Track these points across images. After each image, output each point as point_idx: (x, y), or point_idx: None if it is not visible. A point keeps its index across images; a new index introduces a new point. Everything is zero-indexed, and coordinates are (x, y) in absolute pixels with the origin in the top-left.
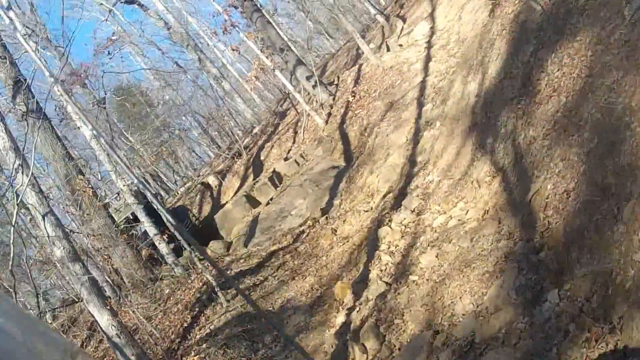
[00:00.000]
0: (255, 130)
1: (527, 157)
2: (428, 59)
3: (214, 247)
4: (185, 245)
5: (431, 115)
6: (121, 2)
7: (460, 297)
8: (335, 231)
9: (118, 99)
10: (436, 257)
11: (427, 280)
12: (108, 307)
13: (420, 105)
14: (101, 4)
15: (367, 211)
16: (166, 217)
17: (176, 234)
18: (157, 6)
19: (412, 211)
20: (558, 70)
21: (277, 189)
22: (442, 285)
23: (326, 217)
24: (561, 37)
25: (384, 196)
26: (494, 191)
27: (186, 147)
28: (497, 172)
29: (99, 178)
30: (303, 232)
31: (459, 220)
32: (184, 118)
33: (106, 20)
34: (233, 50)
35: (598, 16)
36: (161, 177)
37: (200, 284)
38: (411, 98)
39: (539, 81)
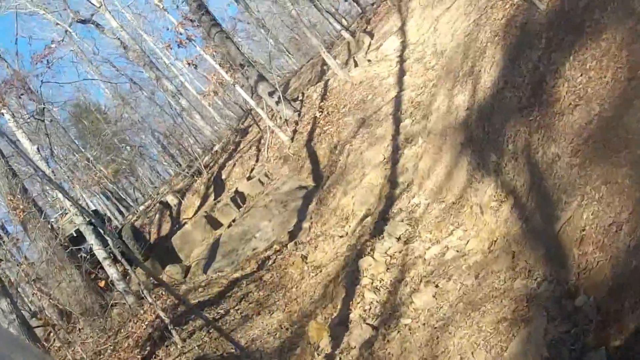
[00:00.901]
0: (215, 148)
1: (550, 178)
2: (402, 73)
3: (171, 272)
4: (133, 270)
5: (411, 131)
6: (77, 22)
7: (473, 352)
8: (306, 258)
9: (72, 115)
10: (433, 296)
11: (424, 325)
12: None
13: (397, 120)
14: (57, 24)
15: (341, 237)
16: (110, 238)
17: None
18: (112, 24)
19: (398, 239)
20: (581, 75)
21: (240, 209)
22: (444, 332)
23: (295, 242)
24: (579, 37)
25: (361, 220)
26: (502, 218)
27: (147, 165)
28: (506, 196)
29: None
30: (269, 258)
31: (457, 251)
32: (143, 136)
33: (62, 41)
34: (189, 64)
35: (628, 8)
36: (120, 195)
37: (153, 316)
38: (386, 113)
39: (557, 88)
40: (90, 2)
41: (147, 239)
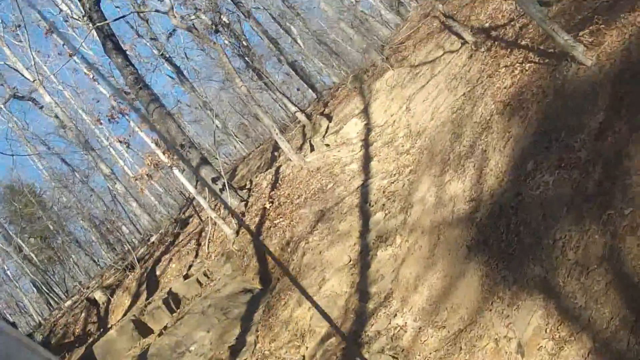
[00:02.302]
0: (152, 239)
1: None
2: (368, 158)
3: None
4: None
5: (385, 228)
6: (14, 98)
7: None
8: None
9: (3, 197)
10: None
11: None
12: None
13: (366, 214)
14: None
15: None
16: None
17: None
18: (46, 99)
19: None
20: None
21: (174, 314)
22: None
23: None
24: None
25: (323, 341)
26: None
27: (82, 254)
28: (571, 333)
29: None
30: None
31: None
32: (81, 221)
33: None
34: (120, 142)
35: None
36: (50, 286)
37: None
38: (350, 205)
39: None
40: (23, 76)
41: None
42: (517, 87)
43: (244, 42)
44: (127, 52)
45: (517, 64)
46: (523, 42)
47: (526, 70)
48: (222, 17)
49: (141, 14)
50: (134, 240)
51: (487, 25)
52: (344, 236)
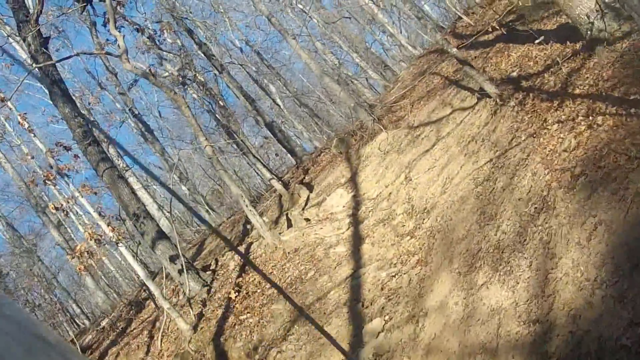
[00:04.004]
0: (103, 324)
1: None
2: (358, 239)
3: None
4: None
5: (387, 343)
6: None
7: None
8: None
9: None
10: None
11: None
12: None
13: (357, 318)
14: None
15: None
16: None
17: None
18: None
19: None
20: None
21: None
22: None
23: None
24: None
25: None
26: None
27: None
28: None
29: None
30: None
31: None
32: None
33: None
34: (56, 209)
35: None
36: None
37: None
38: (336, 303)
39: None
40: None
41: None
42: (590, 149)
43: (220, 102)
44: (92, 107)
45: (580, 118)
46: (578, 90)
47: (598, 126)
48: (194, 72)
49: (109, 68)
50: (85, 322)
51: (514, 74)
52: (328, 348)
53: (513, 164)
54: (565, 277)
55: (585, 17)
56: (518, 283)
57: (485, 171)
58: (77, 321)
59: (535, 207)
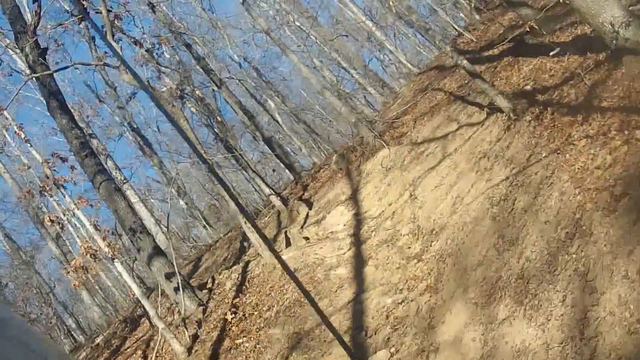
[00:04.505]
0: (98, 341)
1: None
2: (360, 260)
3: None
4: None
5: None
6: None
7: None
8: None
9: None
10: None
11: None
12: None
13: (361, 349)
14: None
15: None
16: None
17: None
18: None
19: None
20: None
21: None
22: None
23: None
24: None
25: None
26: None
27: None
28: None
29: None
30: None
31: None
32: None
33: None
34: (51, 222)
35: None
36: None
37: None
38: (337, 330)
39: None
40: None
41: None
42: (630, 166)
43: (217, 117)
44: (90, 120)
45: (613, 132)
46: (606, 103)
47: (637, 140)
48: (193, 86)
49: (108, 82)
50: (80, 337)
51: (528, 87)
52: None
53: (535, 182)
54: (611, 316)
55: (609, 26)
56: (549, 320)
57: (502, 190)
58: (74, 335)
59: (567, 232)
